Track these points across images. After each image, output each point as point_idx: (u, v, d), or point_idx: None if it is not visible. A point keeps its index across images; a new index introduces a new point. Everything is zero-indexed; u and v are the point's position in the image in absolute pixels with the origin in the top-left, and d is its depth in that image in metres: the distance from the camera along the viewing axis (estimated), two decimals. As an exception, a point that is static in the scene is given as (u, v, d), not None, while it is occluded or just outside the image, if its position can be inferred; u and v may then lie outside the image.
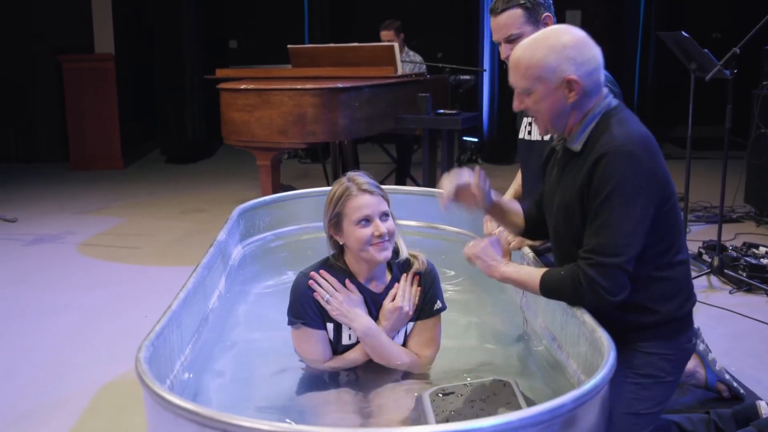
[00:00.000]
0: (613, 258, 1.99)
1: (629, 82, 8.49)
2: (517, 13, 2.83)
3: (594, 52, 2.12)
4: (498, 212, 2.54)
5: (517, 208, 2.56)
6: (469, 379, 2.29)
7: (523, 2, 2.82)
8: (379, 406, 2.22)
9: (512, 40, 2.82)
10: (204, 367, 2.41)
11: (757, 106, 5.37)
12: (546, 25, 2.83)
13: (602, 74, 2.15)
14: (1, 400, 3.06)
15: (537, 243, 2.75)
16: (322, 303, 2.36)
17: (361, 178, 2.39)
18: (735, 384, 2.84)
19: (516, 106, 2.21)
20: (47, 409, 2.97)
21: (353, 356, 2.41)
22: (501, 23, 2.86)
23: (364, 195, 2.33)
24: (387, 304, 2.40)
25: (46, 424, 2.86)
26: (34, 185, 7.51)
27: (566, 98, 2.11)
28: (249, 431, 1.45)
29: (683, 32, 4.29)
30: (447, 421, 1.89)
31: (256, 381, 2.48)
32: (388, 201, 2.40)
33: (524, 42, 2.18)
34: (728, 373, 2.88)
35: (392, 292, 2.41)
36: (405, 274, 2.44)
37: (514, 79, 2.18)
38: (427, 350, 2.45)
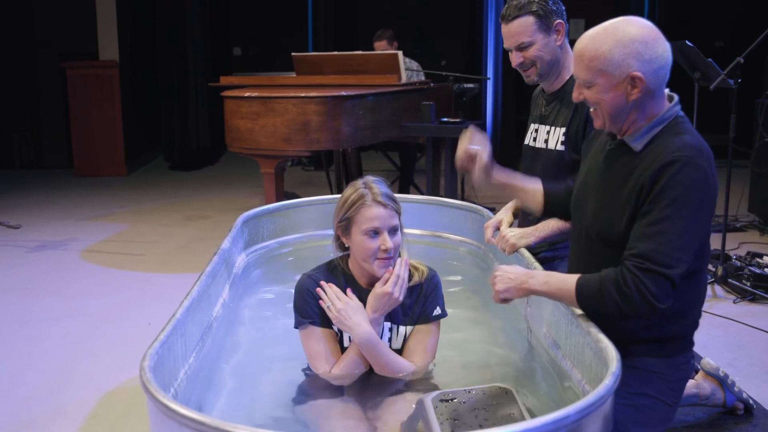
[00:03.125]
0: (665, 269, 1.91)
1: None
2: (528, 20, 2.79)
3: (663, 49, 2.02)
4: (509, 190, 2.58)
5: (532, 186, 2.54)
6: (465, 387, 2.28)
7: (535, 9, 2.79)
8: (381, 417, 2.21)
9: (523, 48, 2.81)
10: (208, 376, 2.40)
11: (761, 115, 5.37)
12: (558, 32, 2.82)
13: (668, 73, 2.07)
14: (4, 407, 3.06)
15: (531, 241, 2.72)
16: (324, 309, 2.37)
17: (378, 187, 2.38)
18: (751, 401, 2.83)
19: (575, 97, 2.14)
20: (50, 416, 2.97)
21: (352, 356, 2.38)
22: (512, 31, 2.82)
23: (377, 207, 2.33)
24: (378, 287, 2.37)
25: (48, 431, 2.85)
26: (38, 191, 7.52)
27: (628, 95, 2.03)
28: (253, 440, 1.45)
29: (687, 41, 4.29)
30: (452, 429, 1.89)
31: (259, 391, 2.48)
32: (399, 213, 2.40)
33: (590, 32, 2.08)
34: (744, 392, 2.87)
35: (386, 275, 2.38)
36: (400, 259, 2.40)
37: (576, 69, 2.10)
38: (422, 356, 2.43)
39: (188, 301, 2.24)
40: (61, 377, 3.34)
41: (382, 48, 6.54)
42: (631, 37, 2.00)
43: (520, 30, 2.80)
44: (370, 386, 2.38)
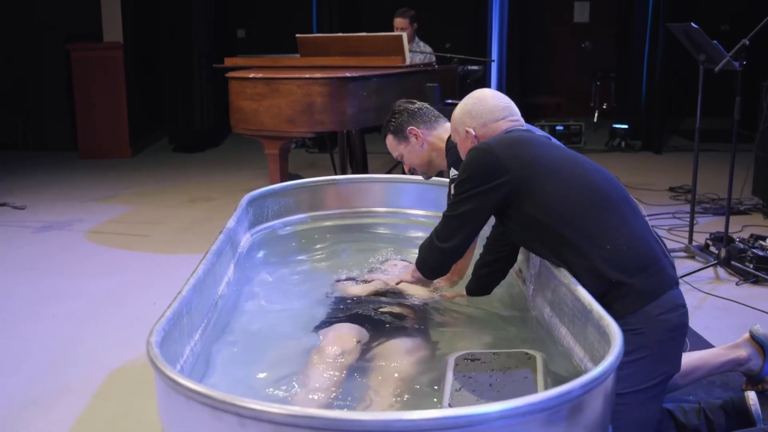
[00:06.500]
0: (446, 211, 2.46)
1: (638, 74, 8.45)
2: (389, 139, 3.16)
3: (491, 105, 2.52)
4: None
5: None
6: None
7: (389, 128, 3.13)
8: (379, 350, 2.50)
9: (401, 160, 3.19)
10: (212, 352, 2.43)
11: (766, 97, 5.36)
12: (416, 137, 3.09)
13: (498, 122, 2.50)
14: (10, 385, 3.09)
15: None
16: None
17: None
18: None
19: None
20: (56, 394, 3.00)
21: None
22: (388, 148, 3.20)
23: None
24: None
25: (55, 409, 2.88)
26: (42, 173, 7.53)
27: (471, 144, 2.51)
28: (261, 414, 1.47)
29: (692, 23, 4.27)
30: (461, 386, 2.00)
31: (262, 363, 2.52)
32: None
33: None
34: None
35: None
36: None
37: None
38: None
39: (194, 278, 2.26)
40: (67, 356, 3.37)
41: (401, 25, 6.42)
42: (465, 102, 2.58)
43: (390, 148, 3.18)
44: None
